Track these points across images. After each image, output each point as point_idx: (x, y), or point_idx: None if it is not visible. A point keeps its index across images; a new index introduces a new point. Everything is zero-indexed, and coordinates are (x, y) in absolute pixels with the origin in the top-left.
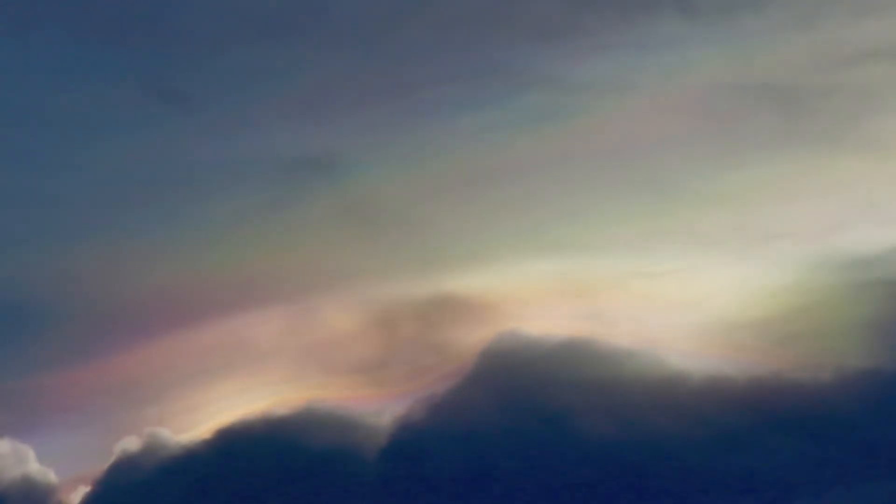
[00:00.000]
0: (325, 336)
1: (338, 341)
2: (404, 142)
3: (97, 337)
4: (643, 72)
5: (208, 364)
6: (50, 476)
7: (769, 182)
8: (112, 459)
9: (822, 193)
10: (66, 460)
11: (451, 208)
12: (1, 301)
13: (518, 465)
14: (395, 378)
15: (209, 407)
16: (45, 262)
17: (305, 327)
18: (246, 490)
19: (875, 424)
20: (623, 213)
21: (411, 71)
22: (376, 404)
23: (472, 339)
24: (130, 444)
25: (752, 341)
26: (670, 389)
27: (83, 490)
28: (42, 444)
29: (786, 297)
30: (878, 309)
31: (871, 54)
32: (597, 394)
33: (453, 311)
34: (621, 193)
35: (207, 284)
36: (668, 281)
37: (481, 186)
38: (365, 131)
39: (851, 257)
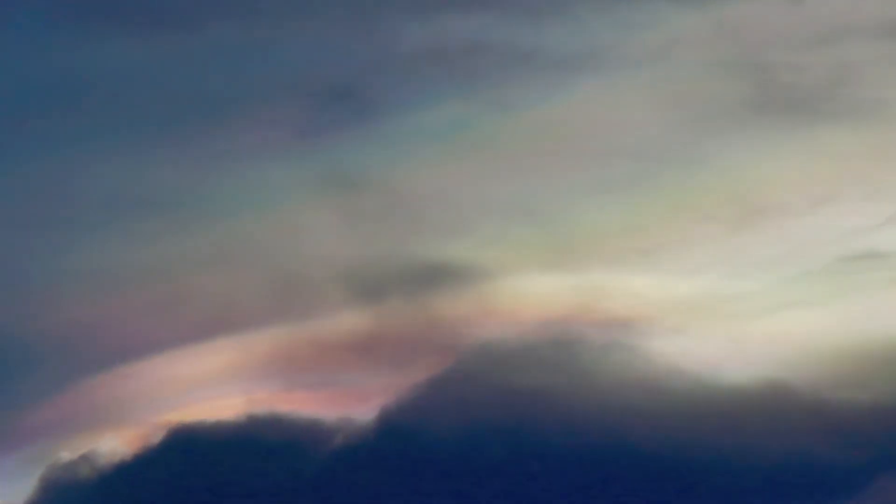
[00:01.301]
0: (309, 311)
1: (322, 315)
2: (387, 116)
3: (53, 370)
4: (628, 49)
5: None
6: None
7: (755, 155)
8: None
9: (808, 167)
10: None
11: (436, 181)
12: None
13: (506, 453)
14: (383, 356)
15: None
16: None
17: (289, 302)
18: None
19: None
20: (609, 190)
21: (394, 46)
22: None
23: (458, 315)
24: (65, 456)
25: (749, 318)
26: (664, 379)
27: None
28: None
29: (780, 269)
30: (871, 281)
31: (850, 31)
32: (583, 383)
33: (439, 282)
34: (606, 170)
35: (188, 254)
36: (660, 253)
37: (467, 161)
38: (348, 108)
39: (843, 230)
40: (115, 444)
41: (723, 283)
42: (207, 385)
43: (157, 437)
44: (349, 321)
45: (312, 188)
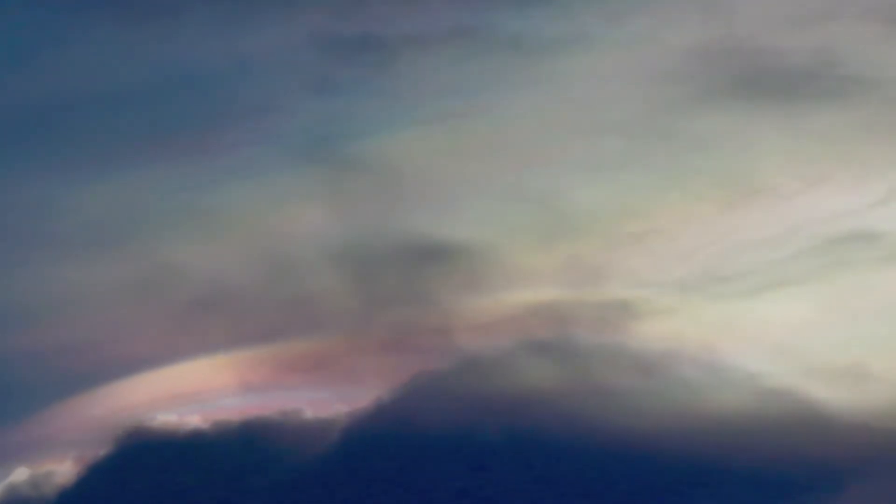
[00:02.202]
0: (300, 291)
1: (313, 302)
2: (378, 99)
3: (30, 391)
4: (615, 32)
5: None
6: None
7: (745, 137)
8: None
9: (798, 149)
10: None
11: (427, 162)
12: None
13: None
14: (374, 350)
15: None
16: None
17: (278, 280)
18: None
19: None
20: (600, 172)
21: (383, 30)
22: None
23: (451, 299)
24: (24, 473)
25: (741, 298)
26: (658, 360)
27: None
28: None
29: (771, 249)
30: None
31: (836, 13)
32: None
33: (430, 262)
34: (597, 153)
35: (176, 237)
36: (652, 234)
37: (457, 142)
38: (339, 89)
39: (833, 210)
40: (79, 458)
41: (715, 263)
42: (189, 393)
43: (119, 448)
44: (340, 307)
45: (303, 168)
